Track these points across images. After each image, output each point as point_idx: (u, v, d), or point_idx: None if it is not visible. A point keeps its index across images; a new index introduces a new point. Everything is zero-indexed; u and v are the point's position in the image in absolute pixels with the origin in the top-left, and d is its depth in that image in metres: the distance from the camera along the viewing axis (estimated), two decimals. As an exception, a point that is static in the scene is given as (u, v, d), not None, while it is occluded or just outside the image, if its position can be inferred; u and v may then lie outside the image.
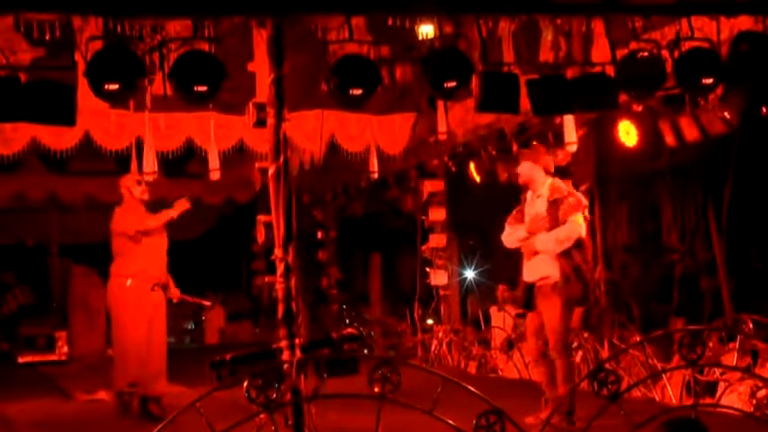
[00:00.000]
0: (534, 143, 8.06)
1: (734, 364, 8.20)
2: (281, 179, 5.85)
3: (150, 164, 8.77)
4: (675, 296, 10.85)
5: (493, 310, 12.11)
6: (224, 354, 6.16)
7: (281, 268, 5.79)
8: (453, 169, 11.94)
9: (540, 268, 7.05)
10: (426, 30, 7.08)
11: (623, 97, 6.85)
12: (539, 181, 7.16)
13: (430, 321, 12.87)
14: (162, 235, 8.21)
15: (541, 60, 7.98)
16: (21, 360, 13.21)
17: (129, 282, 8.00)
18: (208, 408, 4.49)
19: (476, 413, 4.43)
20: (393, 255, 16.05)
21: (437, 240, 12.48)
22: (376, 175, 10.82)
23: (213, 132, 9.33)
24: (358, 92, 6.11)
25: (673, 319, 10.47)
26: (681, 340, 4.96)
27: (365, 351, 12.55)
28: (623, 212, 11.34)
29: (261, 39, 6.36)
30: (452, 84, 6.23)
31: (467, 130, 10.39)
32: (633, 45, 6.66)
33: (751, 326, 8.27)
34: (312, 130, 9.73)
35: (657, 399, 8.44)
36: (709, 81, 6.45)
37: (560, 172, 7.39)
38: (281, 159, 5.87)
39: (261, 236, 10.87)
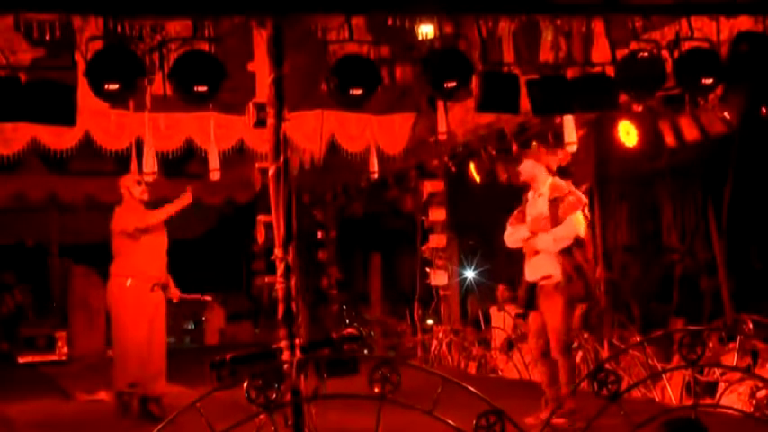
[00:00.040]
0: (534, 143, 8.06)
1: (734, 364, 8.20)
2: (281, 179, 5.86)
3: (150, 164, 8.77)
4: (675, 296, 10.85)
5: (493, 311, 12.10)
6: (224, 354, 6.15)
7: (281, 268, 5.79)
8: (453, 169, 11.94)
9: (541, 267, 7.05)
10: (426, 30, 7.08)
11: (623, 97, 6.85)
12: (540, 180, 7.17)
13: (430, 321, 12.87)
14: (162, 234, 8.19)
15: (541, 60, 7.98)
16: (21, 360, 13.20)
17: (128, 282, 7.99)
18: (208, 408, 4.49)
19: (476, 413, 4.43)
20: (393, 255, 16.05)
21: (437, 240, 12.48)
22: (376, 176, 10.83)
23: (213, 132, 9.33)
24: (358, 92, 6.12)
25: (673, 319, 10.47)
26: (681, 340, 4.96)
27: (365, 351, 12.55)
28: (623, 212, 11.34)
29: (261, 39, 6.36)
30: (452, 84, 6.23)
31: (467, 131, 10.40)
32: (633, 45, 6.66)
33: (751, 326, 8.27)
34: (312, 131, 9.74)
35: (657, 399, 8.43)
36: (709, 81, 6.45)
37: (560, 172, 7.37)
38: (281, 159, 5.87)
39: (261, 236, 10.86)
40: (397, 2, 6.26)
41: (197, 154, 9.80)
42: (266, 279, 11.53)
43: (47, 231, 15.30)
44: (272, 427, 4.68)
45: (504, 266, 13.09)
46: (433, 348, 12.14)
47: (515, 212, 7.33)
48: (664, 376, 8.29)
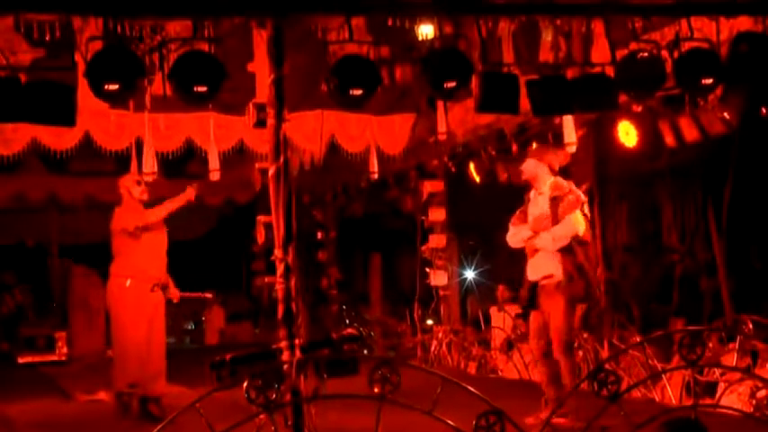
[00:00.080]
0: (534, 143, 8.06)
1: (734, 364, 8.20)
2: (281, 179, 5.85)
3: (150, 164, 8.78)
4: (675, 296, 10.85)
5: (493, 311, 12.11)
6: (224, 354, 6.16)
7: (280, 269, 5.79)
8: (453, 170, 11.95)
9: (542, 267, 7.05)
10: (426, 30, 7.08)
11: (623, 98, 6.85)
12: (542, 179, 7.16)
13: (430, 322, 12.87)
14: (162, 234, 8.19)
15: (541, 61, 7.98)
16: (21, 360, 13.21)
17: (128, 282, 7.98)
18: (207, 408, 4.49)
19: (475, 414, 4.43)
20: (393, 255, 16.06)
21: (437, 241, 12.48)
22: (376, 176, 10.84)
23: (213, 133, 9.34)
24: (358, 92, 6.11)
25: (673, 319, 10.48)
26: (681, 341, 4.95)
27: (365, 351, 12.56)
28: (623, 213, 11.35)
29: (261, 39, 6.35)
30: (452, 84, 6.23)
31: (466, 131, 10.40)
32: (633, 45, 6.66)
33: (751, 326, 8.27)
34: (312, 131, 9.74)
35: (657, 399, 8.43)
36: (709, 81, 6.45)
37: (561, 172, 7.38)
38: (281, 160, 5.87)
39: (261, 236, 10.86)
40: (397, 2, 6.27)
41: (197, 154, 9.80)
42: (266, 279, 11.55)
43: (47, 231, 15.32)
44: (272, 428, 4.68)
45: (504, 266, 13.12)
46: (432, 349, 12.14)
47: (517, 212, 7.32)
48: (664, 376, 8.29)
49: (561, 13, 6.54)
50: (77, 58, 6.07)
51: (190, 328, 17.41)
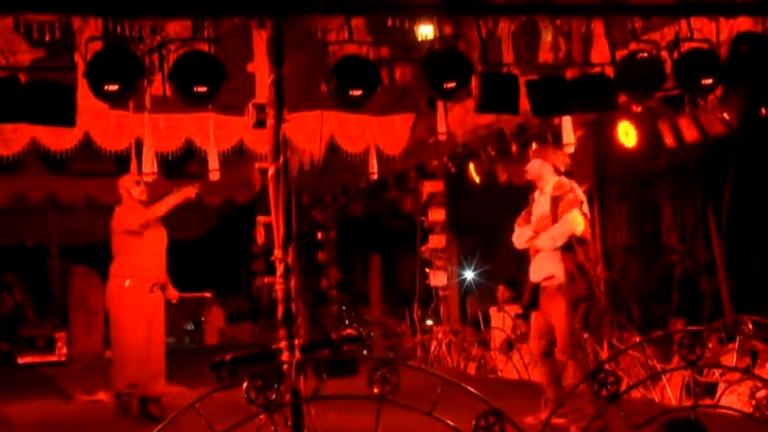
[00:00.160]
0: (534, 144, 8.06)
1: (733, 364, 8.20)
2: (281, 180, 5.85)
3: (149, 164, 8.78)
4: (675, 297, 10.86)
5: (492, 311, 12.10)
6: (224, 354, 6.16)
7: (280, 269, 5.79)
8: (453, 170, 11.94)
9: (544, 267, 7.05)
10: (426, 31, 7.08)
11: (623, 98, 6.85)
12: (546, 179, 7.16)
13: (429, 322, 12.87)
14: (161, 234, 8.18)
15: (541, 61, 7.99)
16: (21, 361, 13.21)
17: (127, 282, 7.98)
18: (207, 408, 4.49)
19: (475, 414, 4.43)
20: (393, 255, 16.06)
21: (436, 241, 12.48)
22: (375, 176, 10.83)
23: (213, 133, 9.33)
24: (358, 93, 6.11)
25: (672, 319, 10.48)
26: (680, 341, 4.96)
27: (365, 352, 12.55)
28: (623, 213, 11.35)
29: (261, 39, 6.35)
30: (452, 84, 6.23)
31: (466, 131, 10.40)
32: (633, 46, 6.66)
33: (750, 327, 8.27)
34: (312, 131, 9.74)
35: (657, 400, 8.43)
36: (709, 82, 6.45)
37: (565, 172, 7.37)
38: (281, 160, 5.86)
39: (260, 237, 10.88)
40: (397, 2, 6.27)
41: (197, 154, 9.80)
42: (266, 280, 11.58)
43: (47, 232, 15.33)
44: (272, 428, 4.68)
45: (504, 267, 13.13)
46: (432, 349, 12.13)
47: (522, 213, 7.32)
48: (663, 377, 8.29)
49: (561, 14, 6.54)
50: (77, 58, 6.08)
51: (189, 328, 17.39)
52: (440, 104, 8.97)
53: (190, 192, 8.09)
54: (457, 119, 9.74)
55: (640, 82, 6.46)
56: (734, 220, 10.09)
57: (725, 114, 8.73)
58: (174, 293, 8.30)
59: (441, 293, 12.55)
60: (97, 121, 8.95)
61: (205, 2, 6.03)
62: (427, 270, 12.52)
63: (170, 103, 6.71)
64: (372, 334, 14.96)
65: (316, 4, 6.06)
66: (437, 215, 12.49)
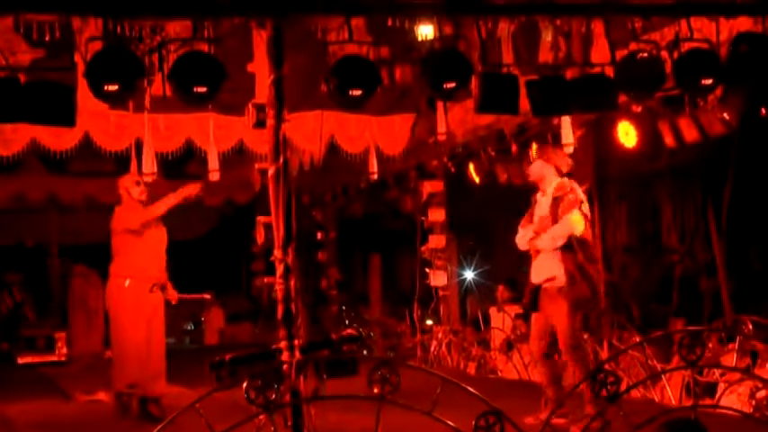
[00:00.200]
0: (534, 144, 8.06)
1: (733, 364, 8.20)
2: (281, 180, 5.85)
3: (149, 165, 8.78)
4: (675, 297, 10.85)
5: (492, 311, 12.11)
6: (223, 354, 6.16)
7: (280, 269, 5.79)
8: (453, 170, 11.94)
9: (545, 269, 7.05)
10: (426, 31, 7.08)
11: (623, 98, 6.85)
12: (548, 180, 7.16)
13: (429, 322, 12.87)
14: (161, 234, 8.18)
15: (541, 61, 7.98)
16: (21, 361, 13.21)
17: (127, 282, 7.98)
18: (207, 408, 4.49)
19: (475, 414, 4.43)
20: (393, 255, 16.06)
21: (436, 241, 12.48)
22: (375, 176, 10.83)
23: (213, 133, 9.33)
24: (358, 93, 6.11)
25: (672, 319, 10.48)
26: (680, 341, 4.96)
27: (365, 352, 12.55)
28: (623, 213, 11.35)
29: (261, 40, 6.35)
30: (452, 85, 6.23)
31: (466, 131, 10.40)
32: (633, 46, 6.66)
33: (750, 327, 8.27)
34: (312, 131, 9.73)
35: (657, 400, 8.43)
36: (709, 82, 6.45)
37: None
38: (281, 160, 5.87)
39: (260, 237, 10.85)
40: (397, 2, 6.27)
41: (197, 155, 9.80)
42: (266, 280, 11.55)
43: (47, 232, 15.33)
44: (272, 428, 4.68)
45: (504, 267, 13.14)
46: (432, 349, 12.13)
47: (526, 215, 7.32)
48: (663, 377, 8.29)
49: (561, 14, 6.54)
50: (77, 58, 6.08)
51: (189, 328, 17.39)
52: (440, 104, 8.97)
53: (191, 190, 8.08)
54: (457, 119, 9.73)
55: (640, 82, 6.46)
56: (734, 220, 10.08)
57: (725, 114, 8.73)
58: (173, 294, 8.30)
59: (441, 293, 12.55)
60: (97, 121, 8.95)
61: (205, 2, 6.03)
62: (427, 270, 12.52)
63: (170, 103, 6.71)
64: (372, 334, 14.96)
65: (316, 4, 6.06)
66: (437, 215, 12.49)
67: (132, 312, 7.94)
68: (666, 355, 9.13)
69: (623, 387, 5.11)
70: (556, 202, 7.05)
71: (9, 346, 13.78)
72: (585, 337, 9.46)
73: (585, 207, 7.12)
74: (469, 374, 11.11)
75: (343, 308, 15.71)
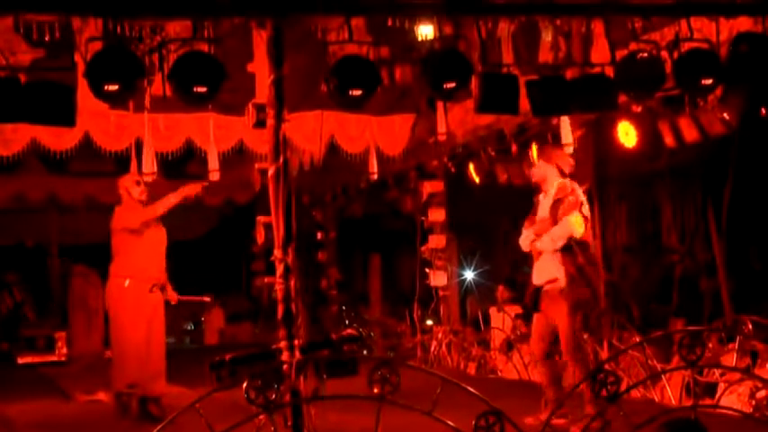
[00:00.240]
0: (534, 144, 8.06)
1: (733, 364, 8.19)
2: (281, 180, 5.85)
3: (149, 165, 8.78)
4: (675, 297, 10.85)
5: (492, 311, 12.11)
6: (223, 354, 6.16)
7: (280, 269, 5.79)
8: (453, 170, 11.94)
9: (546, 270, 7.05)
10: (426, 31, 7.08)
11: (622, 98, 6.85)
12: (550, 181, 7.16)
13: (429, 322, 12.87)
14: (161, 234, 8.18)
15: (541, 61, 7.98)
16: (21, 361, 13.21)
17: (127, 282, 7.98)
18: (207, 408, 4.49)
19: (475, 414, 4.43)
20: (393, 256, 16.06)
21: (436, 241, 12.48)
22: (375, 176, 10.83)
23: (213, 133, 9.33)
24: (358, 93, 6.11)
25: (672, 319, 10.47)
26: (680, 341, 4.96)
27: (365, 352, 12.54)
28: (623, 213, 11.35)
29: (261, 40, 6.35)
30: (452, 85, 6.23)
31: (466, 131, 10.40)
32: (633, 46, 6.66)
33: (750, 327, 8.26)
34: (312, 131, 9.74)
35: (657, 400, 8.43)
36: (709, 82, 6.45)
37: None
38: (281, 160, 5.86)
39: (260, 237, 10.86)
40: (397, 2, 6.26)
41: (197, 155, 9.80)
42: (266, 280, 11.54)
43: (47, 232, 15.32)
44: (272, 428, 4.68)
45: (504, 267, 13.14)
46: (432, 349, 12.13)
47: (529, 216, 7.33)
48: (663, 377, 8.29)
49: (561, 14, 6.54)
50: (77, 58, 6.08)
51: (189, 328, 17.40)
52: (440, 104, 8.97)
53: (191, 189, 8.08)
54: (457, 119, 9.73)
55: (640, 82, 6.46)
56: (734, 220, 10.08)
57: (725, 114, 8.73)
58: (173, 295, 8.30)
59: (441, 293, 12.55)
60: (97, 121, 8.96)
61: (205, 2, 6.03)
62: (427, 270, 12.52)
63: (170, 103, 6.71)
64: (372, 334, 14.96)
65: (316, 4, 6.06)
66: (437, 215, 12.49)
67: (132, 312, 7.94)
68: (666, 355, 9.13)
69: (623, 387, 5.11)
70: (556, 204, 7.05)
71: (9, 346, 13.78)
72: (585, 337, 9.49)
73: (586, 209, 7.12)
74: (469, 374, 11.11)
75: (343, 308, 15.71)
